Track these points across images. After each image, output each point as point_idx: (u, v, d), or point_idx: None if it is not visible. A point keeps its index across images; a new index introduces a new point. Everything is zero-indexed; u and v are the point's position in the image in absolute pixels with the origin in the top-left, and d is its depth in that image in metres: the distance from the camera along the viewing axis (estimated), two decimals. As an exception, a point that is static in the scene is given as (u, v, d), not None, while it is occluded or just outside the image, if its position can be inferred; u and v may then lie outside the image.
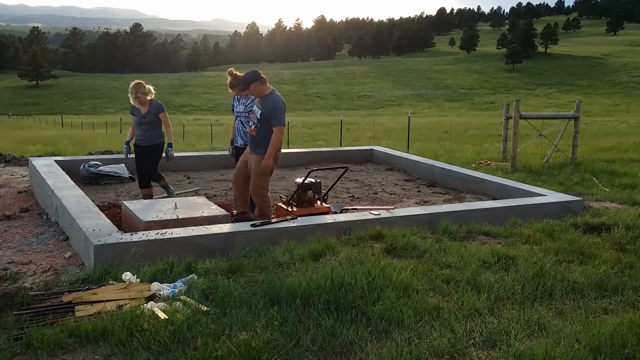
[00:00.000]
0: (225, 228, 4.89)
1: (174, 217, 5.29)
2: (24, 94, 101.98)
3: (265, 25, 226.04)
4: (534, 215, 5.97)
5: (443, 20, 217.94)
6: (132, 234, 4.58)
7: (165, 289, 3.69)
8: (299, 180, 6.18)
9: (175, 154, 9.97)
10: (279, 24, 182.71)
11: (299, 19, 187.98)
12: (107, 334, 3.06)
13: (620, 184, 8.25)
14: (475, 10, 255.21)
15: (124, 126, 38.58)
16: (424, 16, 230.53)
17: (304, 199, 6.06)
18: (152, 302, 3.49)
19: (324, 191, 6.43)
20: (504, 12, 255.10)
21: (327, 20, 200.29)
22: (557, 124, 12.69)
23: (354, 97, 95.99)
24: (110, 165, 8.02)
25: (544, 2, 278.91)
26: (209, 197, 6.73)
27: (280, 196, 6.58)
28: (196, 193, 7.39)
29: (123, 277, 3.91)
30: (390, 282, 3.77)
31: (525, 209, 6.11)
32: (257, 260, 4.30)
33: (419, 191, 8.02)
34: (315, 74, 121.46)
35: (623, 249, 4.91)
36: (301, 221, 5.16)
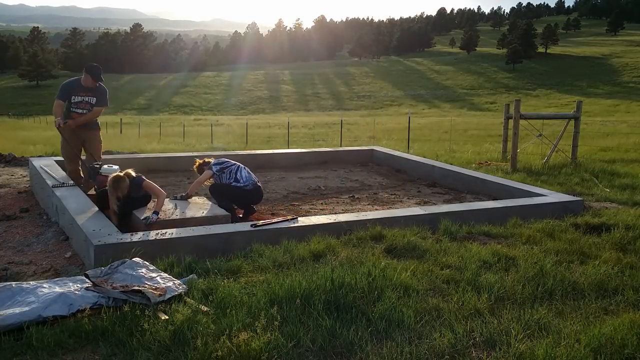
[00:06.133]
0: (225, 228, 4.89)
1: (174, 217, 5.30)
2: (24, 94, 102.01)
3: (266, 25, 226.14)
4: (534, 216, 5.97)
5: (443, 20, 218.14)
6: (132, 234, 4.58)
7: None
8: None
9: (175, 154, 9.98)
10: (279, 24, 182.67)
11: (299, 19, 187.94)
12: (107, 334, 3.06)
13: (620, 184, 8.24)
14: (476, 10, 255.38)
15: (124, 126, 38.61)
16: (424, 16, 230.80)
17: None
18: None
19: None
20: (504, 12, 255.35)
21: (327, 20, 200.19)
22: (557, 124, 12.68)
23: (354, 97, 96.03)
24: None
25: (544, 3, 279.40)
26: (208, 197, 6.72)
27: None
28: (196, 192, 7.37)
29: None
30: (390, 282, 3.77)
31: (525, 209, 6.11)
32: (257, 260, 4.30)
33: (419, 191, 8.02)
34: (315, 74, 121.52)
35: (623, 249, 4.91)
36: (301, 221, 5.16)
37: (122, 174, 5.52)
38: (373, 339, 3.11)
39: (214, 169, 6.20)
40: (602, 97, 78.37)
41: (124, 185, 5.42)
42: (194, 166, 6.58)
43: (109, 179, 5.44)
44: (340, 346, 3.01)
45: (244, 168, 6.34)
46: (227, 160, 6.45)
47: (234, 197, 6.07)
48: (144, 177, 5.68)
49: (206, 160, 6.53)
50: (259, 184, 6.28)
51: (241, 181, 6.12)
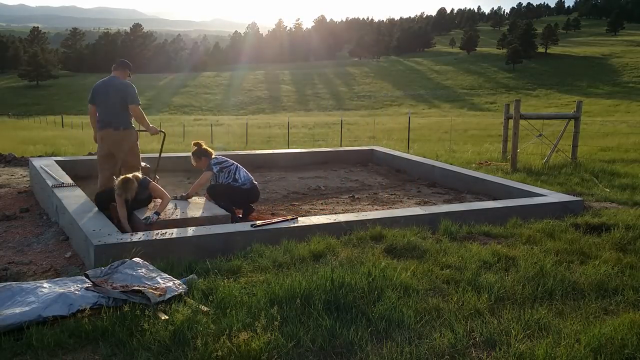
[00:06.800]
0: (225, 228, 4.89)
1: (174, 217, 5.30)
2: (24, 94, 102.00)
3: (266, 25, 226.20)
4: (534, 216, 5.97)
5: (443, 20, 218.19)
6: (132, 234, 4.58)
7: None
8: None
9: (176, 154, 9.97)
10: (279, 24, 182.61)
11: (299, 19, 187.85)
12: (107, 334, 3.06)
13: (620, 184, 8.24)
14: (476, 10, 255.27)
15: (124, 126, 38.54)
16: (424, 16, 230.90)
17: None
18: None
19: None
20: (504, 12, 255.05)
21: (327, 20, 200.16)
22: (557, 124, 12.68)
23: (354, 98, 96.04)
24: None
25: (544, 3, 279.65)
26: (208, 198, 6.72)
27: None
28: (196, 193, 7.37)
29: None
30: (390, 282, 3.77)
31: (525, 209, 6.11)
32: (257, 260, 4.30)
33: (419, 191, 8.02)
34: (315, 74, 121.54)
35: (623, 249, 4.91)
36: (301, 221, 5.16)
37: (130, 176, 5.51)
38: (373, 339, 3.11)
39: (214, 169, 6.19)
40: (602, 97, 78.32)
41: (133, 187, 5.42)
42: (193, 149, 6.37)
43: (118, 181, 5.43)
44: (340, 346, 3.01)
45: (242, 168, 6.36)
46: (226, 159, 6.44)
47: (233, 196, 6.07)
48: (149, 179, 5.69)
49: (209, 149, 6.44)
50: (255, 182, 6.31)
51: (239, 181, 6.14)
